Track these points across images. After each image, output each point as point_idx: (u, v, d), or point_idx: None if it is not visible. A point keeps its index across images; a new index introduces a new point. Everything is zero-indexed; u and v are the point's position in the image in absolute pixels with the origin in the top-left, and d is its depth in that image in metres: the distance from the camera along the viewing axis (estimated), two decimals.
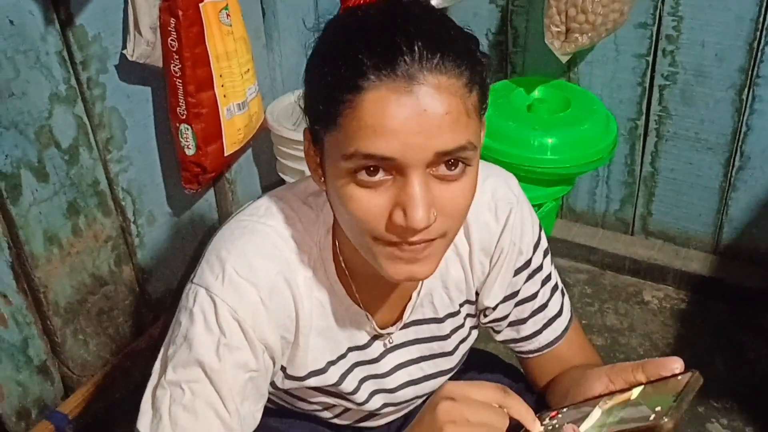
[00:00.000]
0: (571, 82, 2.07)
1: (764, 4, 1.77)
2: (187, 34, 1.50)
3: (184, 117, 1.58)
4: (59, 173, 1.49)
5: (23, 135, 1.41)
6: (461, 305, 0.97)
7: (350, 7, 0.75)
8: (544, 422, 0.75)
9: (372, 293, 0.90)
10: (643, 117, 2.04)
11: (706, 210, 2.10)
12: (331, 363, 0.92)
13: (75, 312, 1.61)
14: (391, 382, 0.97)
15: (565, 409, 0.78)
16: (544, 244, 0.98)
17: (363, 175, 0.71)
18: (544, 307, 0.99)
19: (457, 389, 0.71)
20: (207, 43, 1.55)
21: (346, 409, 1.00)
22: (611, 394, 0.76)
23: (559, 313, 1.00)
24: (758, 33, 1.80)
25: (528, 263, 0.95)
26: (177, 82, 1.55)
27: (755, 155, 1.95)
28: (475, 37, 0.76)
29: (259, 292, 0.81)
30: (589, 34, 1.75)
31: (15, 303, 1.48)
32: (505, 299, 0.97)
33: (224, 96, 1.62)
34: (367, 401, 0.97)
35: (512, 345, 1.03)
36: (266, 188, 2.10)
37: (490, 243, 0.92)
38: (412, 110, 0.68)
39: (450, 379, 1.03)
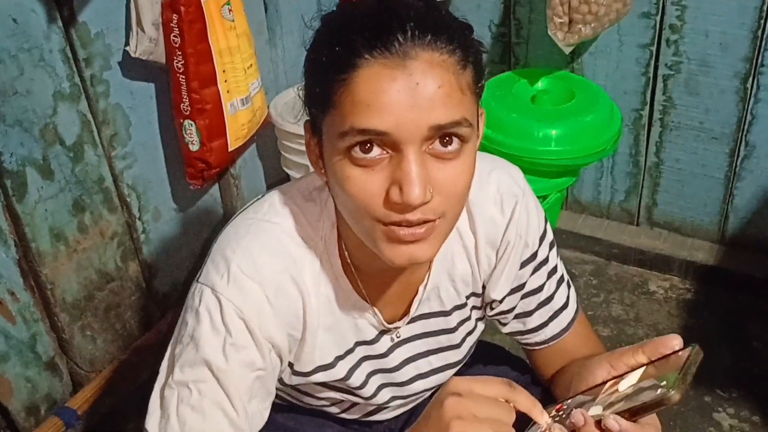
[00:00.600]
0: (575, 73, 2.07)
1: None
2: (190, 30, 1.50)
3: (188, 113, 1.58)
4: (64, 170, 1.50)
5: (28, 133, 1.41)
6: (468, 298, 0.97)
7: (347, 1, 0.76)
8: (551, 414, 0.75)
9: (378, 288, 0.90)
10: (648, 107, 2.04)
11: (712, 200, 2.09)
12: (339, 358, 0.92)
13: (82, 308, 1.62)
14: (399, 376, 0.98)
15: (569, 400, 0.78)
16: (549, 236, 0.98)
17: (358, 152, 0.71)
18: (550, 299, 0.99)
19: (463, 385, 0.71)
20: (210, 39, 1.55)
21: (354, 404, 1.00)
22: (614, 379, 0.77)
23: (565, 306, 1.00)
24: (762, 22, 1.79)
25: (534, 256, 0.95)
26: (180, 79, 1.55)
27: (760, 144, 1.95)
28: (469, 24, 0.77)
29: (265, 291, 0.81)
30: (592, 25, 1.75)
31: (22, 300, 1.49)
32: (512, 292, 0.97)
33: (227, 91, 1.62)
34: (374, 395, 0.97)
35: (518, 337, 1.03)
36: (271, 183, 2.10)
37: (496, 236, 0.92)
38: (405, 85, 0.69)
39: (456, 371, 1.03)
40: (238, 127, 1.68)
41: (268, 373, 0.84)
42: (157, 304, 1.83)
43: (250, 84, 1.69)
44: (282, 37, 2.00)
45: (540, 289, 0.98)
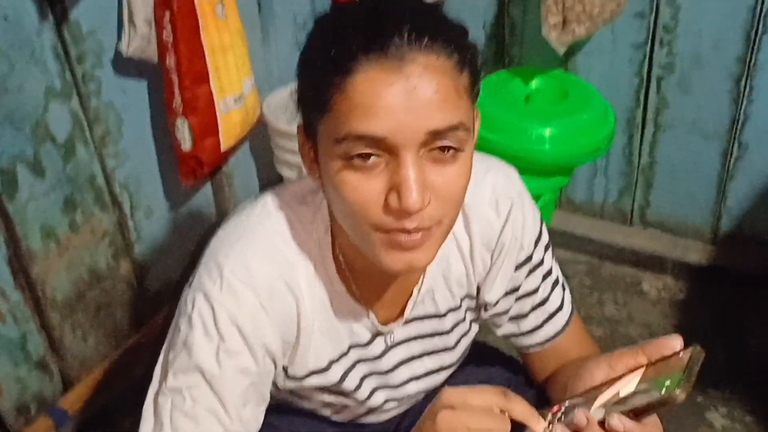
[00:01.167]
0: (569, 72, 2.07)
1: None
2: (182, 28, 1.50)
3: (180, 111, 1.57)
4: (55, 168, 1.49)
5: (19, 130, 1.40)
6: (462, 300, 0.97)
7: (340, 2, 0.76)
8: (547, 418, 0.74)
9: (372, 290, 0.89)
10: (641, 107, 2.04)
11: (705, 199, 2.09)
12: (333, 361, 0.91)
13: (73, 307, 1.61)
14: (393, 378, 0.97)
15: (567, 402, 0.77)
16: (545, 238, 0.97)
17: (356, 158, 0.71)
18: (545, 301, 0.98)
19: (456, 397, 0.70)
20: (202, 37, 1.54)
21: (347, 407, 0.99)
22: (613, 380, 0.76)
23: (560, 308, 1.00)
24: (756, 22, 1.79)
25: (529, 258, 0.95)
26: (172, 76, 1.54)
27: (753, 144, 1.95)
28: (465, 27, 0.76)
29: (259, 297, 0.81)
30: (587, 25, 1.75)
31: (13, 299, 1.47)
32: (506, 294, 0.96)
33: (220, 90, 1.61)
34: (369, 398, 0.97)
35: (513, 339, 1.03)
36: (264, 182, 2.09)
37: (492, 238, 0.92)
38: (402, 89, 0.68)
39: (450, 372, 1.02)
40: (230, 126, 1.67)
41: (262, 378, 0.83)
42: (148, 302, 1.82)
43: (243, 82, 1.68)
44: (275, 36, 1.99)
45: (535, 291, 0.97)
